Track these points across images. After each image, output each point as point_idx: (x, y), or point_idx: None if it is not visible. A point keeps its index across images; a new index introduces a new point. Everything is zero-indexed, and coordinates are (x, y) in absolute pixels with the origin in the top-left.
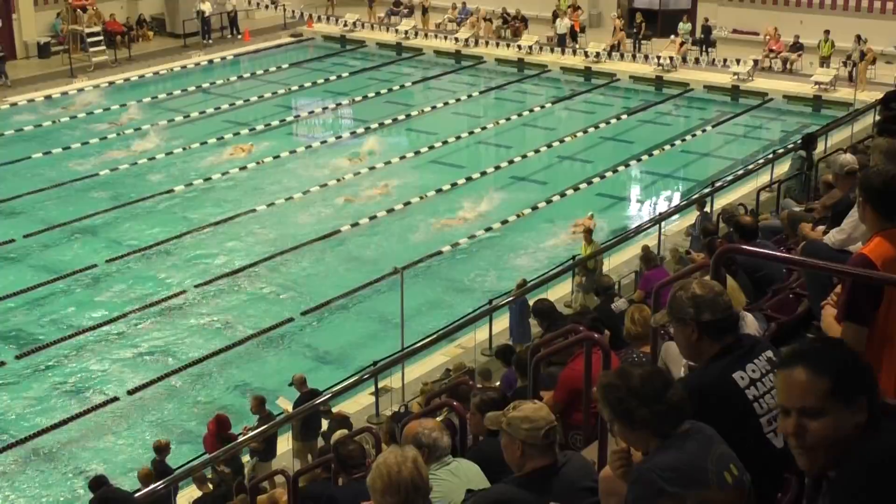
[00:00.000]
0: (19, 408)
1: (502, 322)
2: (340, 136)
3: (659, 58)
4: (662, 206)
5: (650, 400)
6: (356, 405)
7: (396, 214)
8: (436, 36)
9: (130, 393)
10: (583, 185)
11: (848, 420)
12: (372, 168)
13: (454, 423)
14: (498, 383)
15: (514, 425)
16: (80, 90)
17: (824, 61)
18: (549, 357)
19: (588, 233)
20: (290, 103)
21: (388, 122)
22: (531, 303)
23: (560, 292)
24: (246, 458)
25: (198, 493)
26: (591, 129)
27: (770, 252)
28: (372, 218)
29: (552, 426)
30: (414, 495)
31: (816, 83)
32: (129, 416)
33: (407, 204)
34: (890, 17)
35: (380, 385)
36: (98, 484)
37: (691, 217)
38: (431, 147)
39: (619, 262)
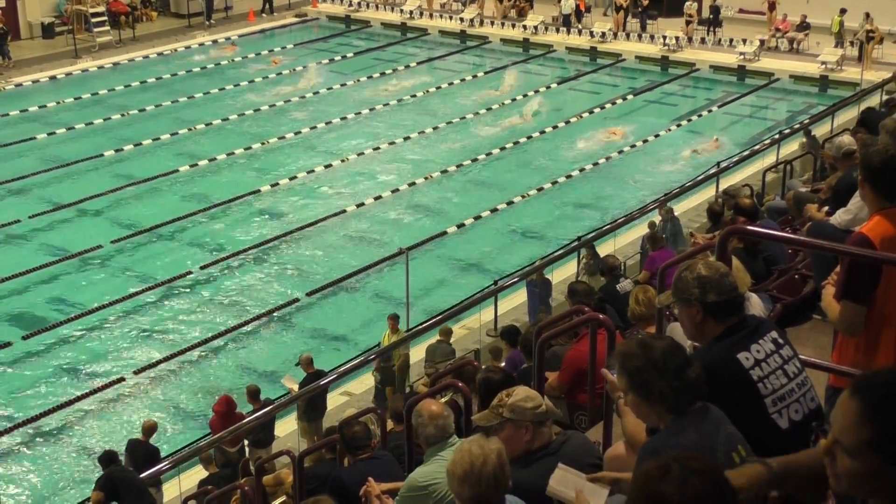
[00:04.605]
0: (26, 388)
1: (507, 303)
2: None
3: (665, 38)
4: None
5: (669, 374)
6: (362, 386)
7: (404, 193)
8: (440, 16)
9: (136, 373)
10: (588, 167)
11: (886, 474)
12: (377, 149)
13: (459, 404)
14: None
15: (519, 409)
16: (85, 70)
17: (837, 40)
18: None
19: (394, 320)
20: (294, 84)
21: (392, 102)
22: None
23: (565, 273)
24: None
25: (204, 473)
26: (597, 110)
27: (770, 232)
28: (377, 198)
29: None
30: (493, 491)
31: (822, 63)
32: (135, 397)
33: (412, 185)
34: None
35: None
36: (108, 459)
37: (697, 198)
38: (436, 128)
39: (625, 243)
